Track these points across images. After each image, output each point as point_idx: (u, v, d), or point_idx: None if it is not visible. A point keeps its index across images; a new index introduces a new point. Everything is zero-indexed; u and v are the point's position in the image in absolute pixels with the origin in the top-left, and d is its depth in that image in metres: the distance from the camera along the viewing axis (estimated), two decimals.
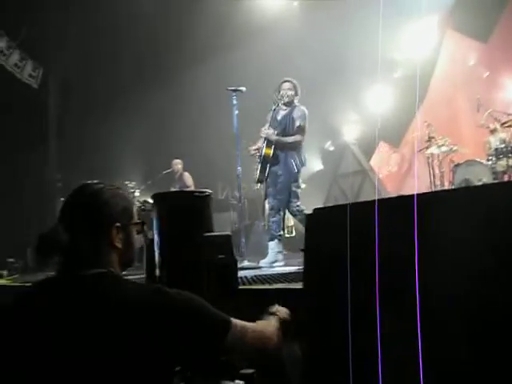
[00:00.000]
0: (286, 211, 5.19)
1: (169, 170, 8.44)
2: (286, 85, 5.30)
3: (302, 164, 5.17)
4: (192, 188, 8.36)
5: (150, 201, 2.76)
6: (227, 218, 8.64)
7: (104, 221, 1.47)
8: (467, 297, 1.59)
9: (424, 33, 9.50)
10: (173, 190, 8.32)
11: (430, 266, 1.65)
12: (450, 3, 9.24)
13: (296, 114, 5.16)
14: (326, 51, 9.34)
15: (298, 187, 5.15)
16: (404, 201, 1.88)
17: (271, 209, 5.15)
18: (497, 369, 1.50)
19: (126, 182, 8.84)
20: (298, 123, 5.11)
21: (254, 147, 5.37)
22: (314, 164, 11.84)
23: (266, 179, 5.18)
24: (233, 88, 5.22)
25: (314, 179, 11.60)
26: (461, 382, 1.56)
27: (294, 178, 5.10)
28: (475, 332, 1.55)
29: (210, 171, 9.57)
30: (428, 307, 1.60)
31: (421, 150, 7.59)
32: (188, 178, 8.48)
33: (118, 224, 1.48)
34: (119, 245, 1.48)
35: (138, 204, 7.42)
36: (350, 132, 11.15)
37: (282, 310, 1.87)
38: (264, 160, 5.11)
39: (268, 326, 1.66)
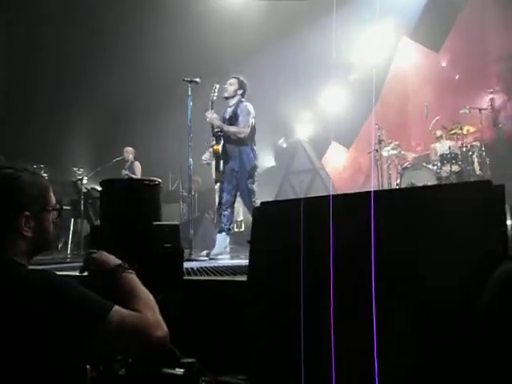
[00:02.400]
0: (239, 206, 5.24)
1: (119, 158, 8.23)
2: (229, 80, 5.31)
3: (256, 158, 5.20)
4: (139, 177, 8.27)
5: (99, 188, 2.70)
6: (176, 209, 8.58)
7: (11, 209, 1.42)
8: (423, 292, 1.65)
9: (379, 38, 9.73)
10: (122, 175, 8.22)
11: (382, 263, 1.69)
12: (405, 11, 9.49)
13: (240, 109, 5.17)
14: (285, 50, 9.42)
15: (253, 183, 5.15)
16: (360, 197, 1.93)
17: (224, 204, 5.16)
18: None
19: (75, 169, 8.63)
20: (240, 118, 5.13)
21: (205, 156, 5.41)
22: (266, 160, 11.91)
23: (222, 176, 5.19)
24: (188, 79, 5.19)
25: (266, 175, 11.64)
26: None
27: (250, 174, 5.12)
28: (426, 331, 1.62)
29: (161, 161, 9.45)
30: (381, 303, 1.64)
31: (370, 152, 7.78)
32: (138, 168, 8.35)
33: (27, 213, 1.43)
34: (28, 234, 1.43)
35: (84, 190, 7.27)
36: (304, 130, 11.28)
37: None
38: (216, 157, 5.14)
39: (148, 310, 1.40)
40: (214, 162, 5.23)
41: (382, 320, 1.64)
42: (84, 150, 9.85)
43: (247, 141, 5.15)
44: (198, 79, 5.21)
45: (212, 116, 5.12)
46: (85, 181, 7.68)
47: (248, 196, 5.09)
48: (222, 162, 5.13)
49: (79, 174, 7.95)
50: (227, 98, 5.29)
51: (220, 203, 5.25)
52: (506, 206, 1.58)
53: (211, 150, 5.19)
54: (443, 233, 1.63)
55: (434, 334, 1.61)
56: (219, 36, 8.93)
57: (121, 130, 9.52)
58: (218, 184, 5.36)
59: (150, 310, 1.38)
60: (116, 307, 1.31)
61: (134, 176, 8.10)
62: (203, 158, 5.46)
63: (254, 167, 5.16)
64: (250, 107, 5.21)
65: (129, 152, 8.41)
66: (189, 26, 9.15)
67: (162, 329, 1.35)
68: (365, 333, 1.66)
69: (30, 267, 1.45)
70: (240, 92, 5.28)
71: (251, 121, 5.16)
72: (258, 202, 5.10)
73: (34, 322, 1.24)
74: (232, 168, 5.12)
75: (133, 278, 1.52)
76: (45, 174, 8.60)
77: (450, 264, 1.60)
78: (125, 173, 8.23)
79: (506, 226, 1.55)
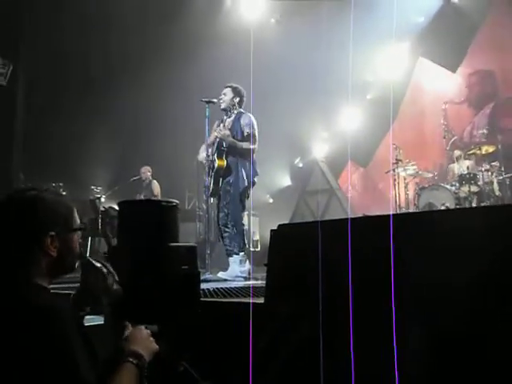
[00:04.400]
0: (244, 225, 5.03)
1: (137, 177, 8.34)
2: (223, 90, 5.13)
3: (255, 174, 4.96)
4: (159, 197, 8.32)
5: (116, 207, 2.72)
6: (193, 228, 8.58)
7: (37, 230, 1.44)
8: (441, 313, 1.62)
9: (396, 58, 9.74)
10: (139, 197, 8.26)
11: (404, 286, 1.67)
12: (420, 30, 9.52)
13: (243, 121, 4.95)
14: (302, 70, 9.46)
15: (247, 198, 4.93)
16: (379, 220, 1.91)
17: (223, 224, 4.91)
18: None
19: (92, 187, 8.71)
20: (246, 130, 4.90)
21: (202, 156, 5.10)
22: (282, 180, 11.91)
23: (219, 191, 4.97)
24: (206, 100, 5.06)
25: (282, 195, 11.66)
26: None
27: (244, 190, 4.88)
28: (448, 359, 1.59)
29: (178, 180, 9.51)
30: (403, 331, 1.62)
31: (388, 172, 7.73)
32: (156, 187, 8.42)
33: (52, 233, 1.45)
34: (54, 253, 1.45)
35: (102, 209, 7.33)
36: (320, 150, 11.27)
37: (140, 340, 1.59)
38: (217, 172, 4.89)
39: None
40: (211, 177, 4.92)
41: (401, 346, 1.62)
42: (102, 169, 9.95)
43: (249, 156, 4.91)
44: (215, 100, 5.08)
45: (225, 133, 4.85)
46: (103, 199, 7.76)
47: (231, 215, 4.83)
48: (221, 178, 4.91)
49: (97, 193, 8.02)
50: (224, 110, 5.10)
51: (219, 223, 4.98)
52: None
53: (216, 164, 4.87)
54: (464, 257, 1.61)
55: (456, 362, 1.58)
56: (235, 56, 9.01)
57: (139, 148, 9.60)
58: (214, 200, 5.09)
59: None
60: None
61: (153, 195, 8.19)
62: (200, 159, 5.20)
63: (250, 183, 4.89)
64: (253, 119, 4.98)
65: (146, 171, 8.49)
66: (205, 46, 9.27)
67: None
68: (385, 360, 1.63)
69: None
70: (236, 100, 5.07)
71: (256, 134, 4.94)
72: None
73: (23, 352, 1.23)
74: (227, 183, 4.89)
75: (134, 376, 1.46)
76: (63, 193, 8.77)
77: (470, 289, 1.58)
78: (142, 195, 8.27)
79: None
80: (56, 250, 1.46)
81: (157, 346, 1.60)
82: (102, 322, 2.55)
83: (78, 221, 1.58)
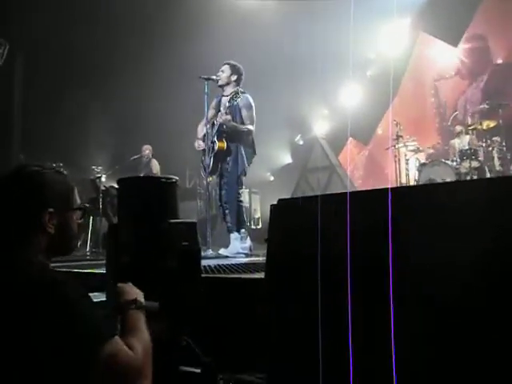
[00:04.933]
0: (242, 201, 5.08)
1: (137, 156, 8.34)
2: (221, 67, 5.11)
3: (254, 153, 5.04)
4: (158, 175, 8.35)
5: (117, 186, 2.72)
6: (194, 206, 8.61)
7: (36, 205, 1.44)
8: (443, 296, 1.62)
9: (397, 33, 9.64)
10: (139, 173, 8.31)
11: (403, 263, 1.66)
12: (420, 6, 9.39)
13: (242, 103, 4.94)
14: (300, 47, 9.37)
15: (244, 176, 5.00)
16: (377, 194, 1.91)
17: (224, 202, 4.99)
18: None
19: (93, 167, 8.69)
20: (244, 112, 4.93)
21: (200, 145, 5.19)
22: (282, 157, 11.89)
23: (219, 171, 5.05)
24: (206, 76, 5.02)
25: (283, 172, 11.67)
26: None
27: (244, 169, 4.96)
28: (445, 332, 1.59)
29: (179, 159, 9.49)
30: (402, 308, 1.62)
31: (388, 148, 7.71)
32: (155, 165, 8.47)
33: (51, 209, 1.45)
34: (51, 230, 1.45)
35: (102, 188, 7.33)
36: (320, 127, 11.24)
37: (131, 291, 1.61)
38: (217, 154, 4.93)
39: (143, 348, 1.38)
40: (210, 158, 4.96)
41: (399, 319, 1.62)
42: (103, 149, 9.94)
43: (248, 137, 4.98)
44: (214, 77, 5.05)
45: (226, 118, 4.86)
46: (103, 179, 7.76)
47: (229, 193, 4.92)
48: (220, 159, 4.98)
49: (98, 172, 8.02)
50: (221, 86, 5.09)
51: (220, 201, 5.08)
52: None
53: (217, 146, 4.93)
54: (463, 231, 1.60)
55: (453, 338, 1.58)
56: (234, 35, 8.92)
57: (139, 128, 9.58)
58: (214, 178, 5.19)
59: (145, 354, 1.36)
60: (117, 337, 1.31)
61: (153, 174, 8.20)
62: (196, 146, 5.25)
63: (243, 172, 4.95)
64: (251, 100, 4.99)
65: (146, 149, 8.51)
66: (204, 26, 9.17)
67: (148, 378, 1.33)
68: (383, 331, 1.64)
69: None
70: (234, 78, 5.05)
71: (254, 115, 4.98)
72: (241, 198, 5.01)
73: (38, 329, 1.23)
74: (225, 163, 4.96)
75: (139, 317, 1.51)
76: (64, 172, 8.75)
77: (469, 265, 1.57)
78: (143, 172, 8.31)
79: None
80: (54, 227, 1.46)
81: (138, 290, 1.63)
82: (105, 299, 2.57)
83: (79, 201, 1.57)
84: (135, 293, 1.59)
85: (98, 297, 2.58)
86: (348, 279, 1.77)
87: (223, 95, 5.14)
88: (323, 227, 1.91)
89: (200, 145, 5.21)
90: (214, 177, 5.21)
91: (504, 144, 7.09)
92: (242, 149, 4.96)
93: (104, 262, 2.89)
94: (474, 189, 1.73)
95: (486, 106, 7.23)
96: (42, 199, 1.45)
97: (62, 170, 1.61)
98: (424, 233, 1.71)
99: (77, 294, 1.32)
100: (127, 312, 1.51)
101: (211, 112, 5.17)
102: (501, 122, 7.22)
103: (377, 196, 1.91)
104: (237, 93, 4.98)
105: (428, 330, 1.61)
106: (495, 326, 1.47)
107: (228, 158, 4.96)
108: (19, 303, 1.25)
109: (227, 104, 4.97)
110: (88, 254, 6.94)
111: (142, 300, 1.57)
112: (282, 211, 2.14)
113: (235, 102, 4.95)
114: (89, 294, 1.45)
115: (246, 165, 4.97)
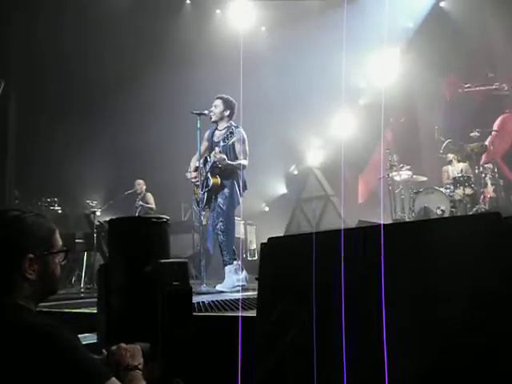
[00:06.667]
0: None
1: (131, 191, 8.41)
2: (214, 102, 5.13)
3: (245, 188, 5.08)
4: (154, 207, 8.50)
5: None
6: (189, 240, 8.55)
7: (15, 252, 1.43)
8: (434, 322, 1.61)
9: (387, 63, 9.77)
10: (135, 209, 8.40)
11: (394, 301, 1.66)
12: (412, 35, 9.57)
13: (236, 137, 4.96)
14: (293, 77, 9.50)
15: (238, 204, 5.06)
16: (369, 231, 1.91)
17: (217, 234, 4.97)
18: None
19: (88, 201, 8.71)
20: (238, 147, 4.96)
21: (192, 175, 5.24)
22: (277, 188, 11.90)
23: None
24: (197, 112, 5.08)
25: (278, 203, 11.66)
26: None
27: (237, 204, 5.02)
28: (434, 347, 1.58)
29: (173, 192, 9.50)
30: (393, 343, 1.61)
31: (380, 178, 7.75)
32: (149, 198, 8.60)
33: (30, 255, 1.44)
34: (32, 277, 1.44)
35: (97, 223, 7.30)
36: (315, 157, 11.28)
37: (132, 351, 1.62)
38: (211, 189, 4.97)
39: None
40: (203, 193, 5.02)
41: (393, 357, 1.61)
42: (97, 184, 9.94)
43: (242, 173, 4.99)
44: (206, 111, 5.09)
45: (221, 157, 4.81)
46: (98, 213, 7.74)
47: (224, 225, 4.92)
48: (214, 194, 5.01)
49: (92, 207, 8.01)
50: (215, 122, 5.13)
51: (215, 233, 5.05)
52: None
53: (211, 182, 4.96)
54: (451, 268, 1.61)
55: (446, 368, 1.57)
56: (226, 65, 9.05)
57: (133, 161, 9.61)
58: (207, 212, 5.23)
59: None
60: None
61: (147, 205, 8.41)
62: (189, 176, 5.28)
63: (236, 205, 5.02)
64: (244, 134, 5.02)
65: (140, 184, 8.60)
66: (197, 59, 9.32)
67: None
68: (378, 371, 1.62)
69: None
70: (227, 113, 5.08)
71: (247, 149, 5.02)
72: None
73: (26, 372, 1.22)
74: (221, 196, 4.97)
75: (132, 378, 1.51)
76: (58, 207, 8.76)
77: (455, 300, 1.57)
78: (139, 203, 8.38)
79: None
80: (35, 272, 1.45)
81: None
82: (95, 341, 2.54)
83: (60, 243, 1.56)
84: (127, 357, 1.58)
85: (89, 338, 2.55)
86: (342, 317, 1.76)
87: (217, 128, 5.18)
88: (315, 264, 1.91)
89: (192, 175, 5.25)
90: (208, 210, 5.22)
91: (496, 170, 7.13)
92: (235, 184, 4.99)
93: (93, 300, 2.86)
94: (455, 224, 1.75)
95: (477, 134, 7.29)
96: (21, 245, 1.44)
97: (42, 214, 1.61)
98: (413, 267, 1.72)
99: (68, 335, 1.32)
100: (122, 375, 1.50)
101: (204, 145, 5.22)
102: (492, 148, 7.30)
103: (368, 232, 1.92)
104: (231, 132, 5.01)
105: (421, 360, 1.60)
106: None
107: (222, 193, 4.98)
108: (8, 349, 1.24)
109: (221, 143, 5.00)
110: (82, 290, 6.85)
111: (136, 363, 1.56)
112: (273, 249, 2.14)
113: (229, 143, 4.98)
114: (78, 337, 1.44)
115: (239, 197, 5.02)
